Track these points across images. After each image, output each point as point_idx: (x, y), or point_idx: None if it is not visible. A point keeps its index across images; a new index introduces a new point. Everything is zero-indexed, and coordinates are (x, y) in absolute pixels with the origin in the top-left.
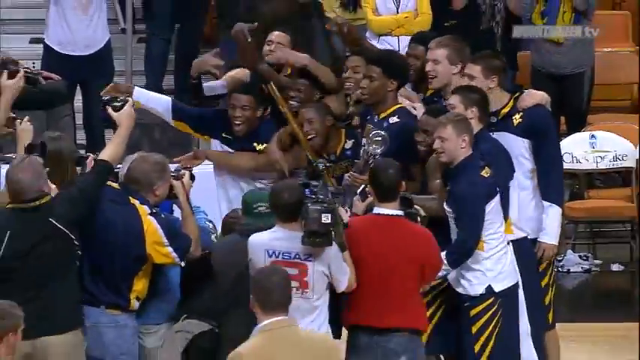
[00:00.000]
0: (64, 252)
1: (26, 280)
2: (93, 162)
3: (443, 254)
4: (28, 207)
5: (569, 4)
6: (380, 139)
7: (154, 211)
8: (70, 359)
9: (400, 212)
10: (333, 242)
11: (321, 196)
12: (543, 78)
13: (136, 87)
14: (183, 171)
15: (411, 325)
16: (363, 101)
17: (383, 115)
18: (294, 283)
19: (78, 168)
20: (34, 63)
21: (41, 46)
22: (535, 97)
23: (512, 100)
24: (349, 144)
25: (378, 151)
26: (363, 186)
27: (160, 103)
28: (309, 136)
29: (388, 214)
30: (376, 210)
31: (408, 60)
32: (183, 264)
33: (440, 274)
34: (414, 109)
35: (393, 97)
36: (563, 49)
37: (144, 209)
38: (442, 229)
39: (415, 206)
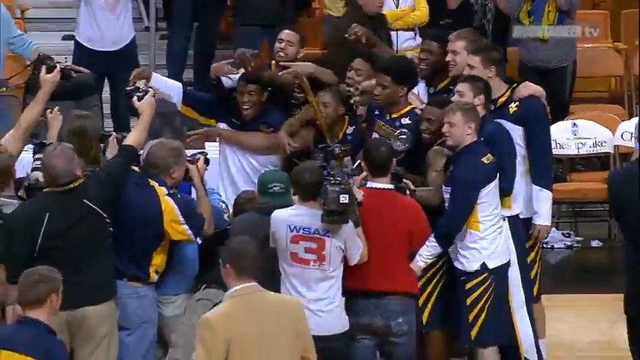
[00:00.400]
0: (98, 230)
1: (65, 257)
2: (115, 140)
3: (431, 237)
4: (64, 190)
5: (553, 4)
6: (405, 137)
7: (172, 192)
8: (105, 326)
9: (391, 186)
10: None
11: (339, 178)
12: (530, 71)
13: (153, 73)
14: (198, 155)
15: (406, 289)
16: (377, 104)
17: (395, 116)
18: (312, 256)
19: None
20: (66, 58)
21: (72, 42)
22: (530, 88)
23: (509, 90)
24: (350, 130)
25: (403, 147)
26: (358, 162)
27: (172, 88)
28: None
29: (381, 188)
30: (370, 184)
31: (420, 55)
32: (199, 241)
33: (431, 250)
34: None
35: (404, 100)
36: (548, 45)
37: (162, 190)
38: (435, 219)
39: (404, 180)
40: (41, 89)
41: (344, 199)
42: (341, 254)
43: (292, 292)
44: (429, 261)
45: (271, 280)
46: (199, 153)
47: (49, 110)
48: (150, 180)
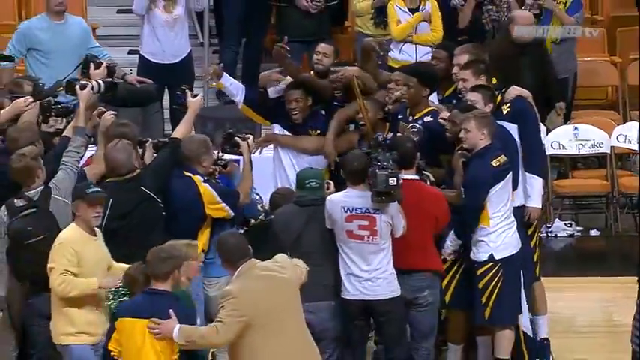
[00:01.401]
0: (153, 213)
1: (126, 238)
2: (151, 145)
3: (452, 232)
4: (124, 179)
5: (557, 22)
6: (416, 130)
7: (207, 179)
8: None
9: (416, 177)
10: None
11: (385, 163)
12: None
13: (224, 73)
14: (248, 135)
15: (431, 267)
16: (403, 103)
17: (418, 116)
18: (365, 232)
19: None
20: (131, 70)
21: (137, 56)
22: (517, 90)
23: (499, 95)
24: (390, 135)
25: (415, 139)
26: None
27: (237, 88)
28: (361, 122)
29: (408, 179)
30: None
31: (432, 61)
32: (247, 222)
33: (453, 243)
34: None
35: (426, 101)
36: (552, 58)
37: (198, 178)
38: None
39: (424, 172)
40: (80, 103)
41: (393, 181)
42: (389, 228)
43: (350, 265)
44: (453, 249)
45: (328, 256)
46: (248, 133)
47: (104, 111)
48: (185, 172)
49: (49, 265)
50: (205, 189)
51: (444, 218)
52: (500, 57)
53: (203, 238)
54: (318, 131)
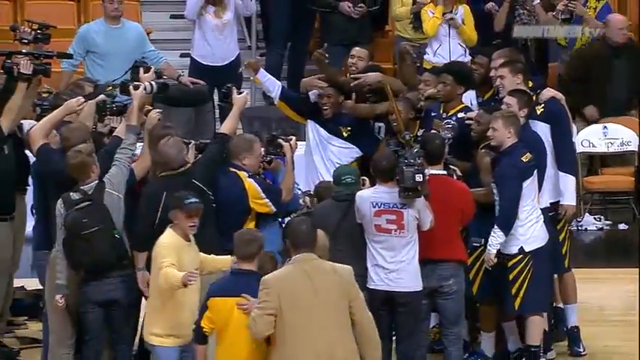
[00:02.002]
0: (204, 204)
1: None
2: (194, 146)
3: (495, 228)
4: (176, 173)
5: (587, 26)
6: (451, 126)
7: (251, 174)
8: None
9: (444, 172)
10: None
11: (412, 160)
12: (566, 83)
13: (261, 69)
14: (291, 136)
15: (456, 257)
16: (438, 99)
17: (452, 112)
18: (393, 226)
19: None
20: (182, 72)
21: (189, 59)
22: (551, 92)
23: (534, 96)
24: (421, 132)
25: (449, 135)
26: (416, 150)
27: (273, 84)
28: (394, 122)
29: (436, 174)
30: (427, 171)
31: (473, 67)
32: (281, 220)
33: (498, 239)
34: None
35: (459, 99)
36: None
37: (243, 174)
38: (487, 213)
39: (451, 167)
40: (133, 101)
41: (419, 178)
42: (416, 222)
43: (376, 257)
44: (498, 247)
45: (356, 248)
46: (291, 135)
47: (150, 109)
48: (230, 168)
49: (155, 266)
50: (250, 184)
51: (470, 211)
52: (594, 57)
53: None
54: (349, 128)
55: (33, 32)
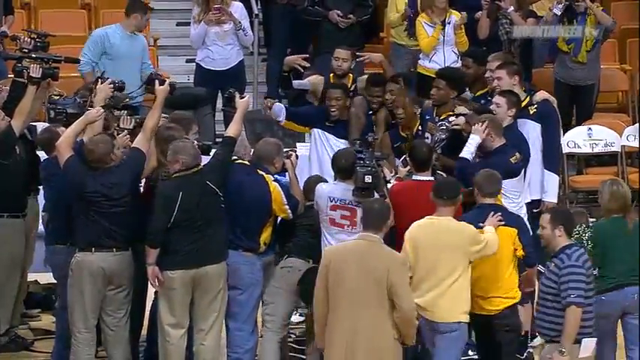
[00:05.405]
0: (215, 205)
1: (192, 226)
2: (198, 147)
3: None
4: (190, 174)
5: (593, 24)
6: (444, 128)
7: (276, 177)
8: (220, 282)
9: (431, 178)
10: (375, 194)
11: (367, 162)
12: (563, 87)
13: (276, 103)
14: (290, 152)
15: None
16: (433, 103)
17: (444, 115)
18: (346, 222)
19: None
20: (188, 77)
21: (194, 64)
22: (545, 94)
23: (528, 96)
24: (420, 127)
25: (443, 137)
26: (404, 156)
27: (280, 110)
28: (400, 116)
29: (423, 180)
30: (414, 177)
31: (461, 69)
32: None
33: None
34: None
35: (452, 102)
36: (584, 66)
37: (269, 177)
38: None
39: (438, 172)
40: (157, 98)
41: (368, 179)
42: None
43: (333, 242)
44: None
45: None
46: (290, 151)
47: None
48: (258, 170)
49: None
50: (275, 188)
51: (456, 216)
52: None
53: (267, 232)
54: None
55: (32, 41)
